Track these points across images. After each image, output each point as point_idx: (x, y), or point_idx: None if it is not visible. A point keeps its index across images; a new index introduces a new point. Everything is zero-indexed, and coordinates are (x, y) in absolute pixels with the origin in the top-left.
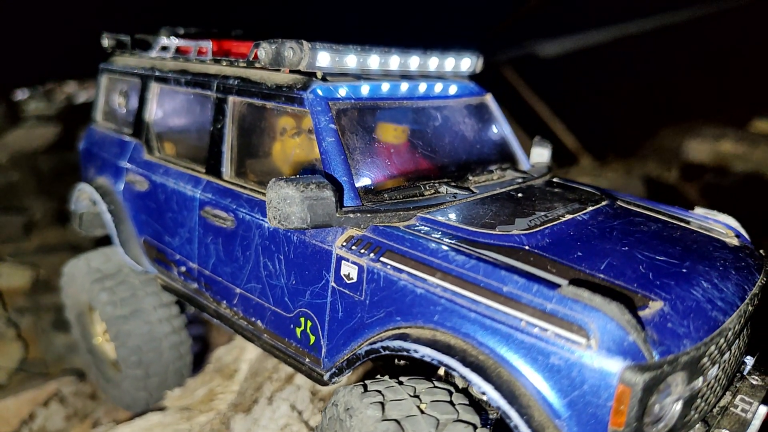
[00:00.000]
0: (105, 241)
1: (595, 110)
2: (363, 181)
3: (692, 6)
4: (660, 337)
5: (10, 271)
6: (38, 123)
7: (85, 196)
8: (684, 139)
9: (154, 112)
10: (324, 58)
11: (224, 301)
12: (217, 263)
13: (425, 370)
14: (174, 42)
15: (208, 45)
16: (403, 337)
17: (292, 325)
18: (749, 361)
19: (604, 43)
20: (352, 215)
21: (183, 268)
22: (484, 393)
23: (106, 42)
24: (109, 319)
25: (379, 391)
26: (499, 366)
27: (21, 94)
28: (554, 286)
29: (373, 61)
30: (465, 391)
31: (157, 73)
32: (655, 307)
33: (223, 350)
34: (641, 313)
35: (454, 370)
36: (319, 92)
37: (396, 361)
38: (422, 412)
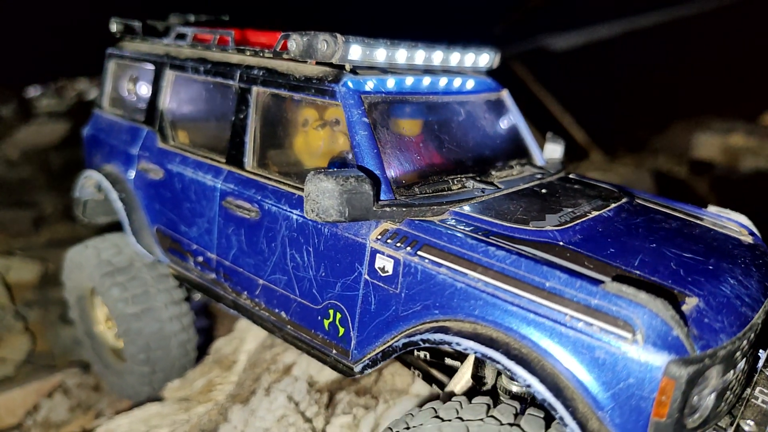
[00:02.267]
0: (107, 229)
1: (605, 105)
2: (394, 175)
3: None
4: (699, 332)
5: (20, 265)
6: (49, 119)
7: (91, 183)
8: (694, 134)
9: (168, 99)
10: (356, 52)
11: (245, 292)
12: (239, 254)
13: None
14: (191, 29)
15: (230, 34)
16: (444, 330)
17: (319, 317)
18: (762, 354)
19: (613, 37)
20: (388, 209)
21: (200, 258)
22: (529, 386)
23: (114, 27)
24: (120, 315)
25: None
26: (542, 359)
27: (33, 91)
28: (596, 282)
29: (401, 55)
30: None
31: (173, 61)
32: (691, 303)
33: (222, 341)
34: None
35: (497, 362)
36: (350, 85)
37: (415, 352)
38: None
